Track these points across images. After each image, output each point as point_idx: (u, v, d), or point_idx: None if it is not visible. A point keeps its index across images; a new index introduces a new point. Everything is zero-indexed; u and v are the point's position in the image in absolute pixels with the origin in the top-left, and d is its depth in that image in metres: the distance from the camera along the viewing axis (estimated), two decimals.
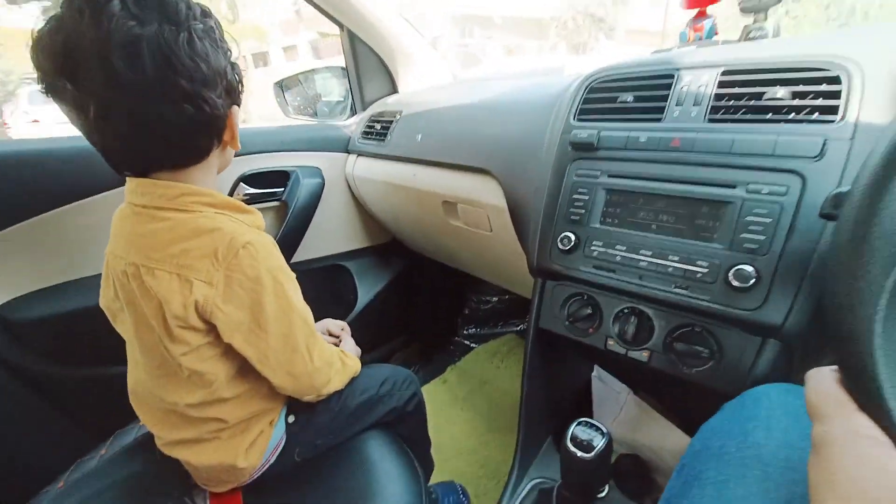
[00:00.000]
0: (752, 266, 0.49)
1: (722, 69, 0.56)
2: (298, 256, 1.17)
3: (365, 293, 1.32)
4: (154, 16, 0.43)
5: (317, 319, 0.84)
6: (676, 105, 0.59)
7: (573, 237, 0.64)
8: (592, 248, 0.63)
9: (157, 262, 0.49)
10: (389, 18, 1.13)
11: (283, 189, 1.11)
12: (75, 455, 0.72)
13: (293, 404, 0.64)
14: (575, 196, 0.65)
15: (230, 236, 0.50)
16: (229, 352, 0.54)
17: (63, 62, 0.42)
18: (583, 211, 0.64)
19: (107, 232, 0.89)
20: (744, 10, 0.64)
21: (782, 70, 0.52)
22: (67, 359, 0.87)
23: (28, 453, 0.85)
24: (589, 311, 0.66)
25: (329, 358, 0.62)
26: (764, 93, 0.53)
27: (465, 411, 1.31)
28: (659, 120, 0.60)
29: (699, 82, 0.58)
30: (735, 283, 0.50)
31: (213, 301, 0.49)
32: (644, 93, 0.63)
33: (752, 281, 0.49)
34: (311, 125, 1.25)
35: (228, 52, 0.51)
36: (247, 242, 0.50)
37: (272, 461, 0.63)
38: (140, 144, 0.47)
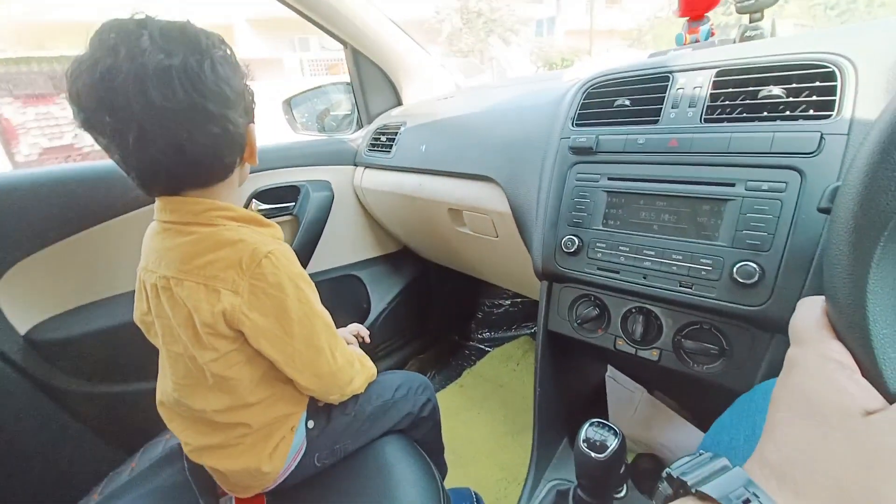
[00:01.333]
0: (756, 263, 0.50)
1: (716, 70, 0.57)
2: (311, 268, 1.20)
3: (378, 301, 1.34)
4: (179, 47, 0.47)
5: None
6: (672, 107, 0.60)
7: (577, 240, 0.65)
8: (596, 250, 0.64)
9: (186, 273, 0.53)
10: (391, 34, 1.16)
11: (293, 203, 1.14)
12: (107, 468, 0.75)
13: (312, 410, 0.67)
14: (576, 199, 0.66)
15: (253, 247, 0.53)
16: (255, 357, 0.57)
17: (103, 96, 0.45)
18: (585, 214, 0.65)
19: (125, 253, 0.92)
20: (739, 11, 0.65)
21: (777, 69, 0.53)
22: (94, 376, 0.91)
23: (61, 468, 0.89)
24: (596, 312, 0.67)
25: (350, 358, 0.65)
26: (759, 91, 0.53)
27: (482, 415, 1.32)
28: (656, 122, 0.61)
29: (694, 83, 0.59)
30: (740, 280, 0.50)
31: (239, 309, 0.52)
32: (640, 96, 0.64)
33: (757, 277, 0.49)
34: (318, 140, 1.28)
35: (243, 73, 0.55)
36: (268, 252, 0.53)
37: (294, 467, 0.65)
38: (173, 166, 0.51)
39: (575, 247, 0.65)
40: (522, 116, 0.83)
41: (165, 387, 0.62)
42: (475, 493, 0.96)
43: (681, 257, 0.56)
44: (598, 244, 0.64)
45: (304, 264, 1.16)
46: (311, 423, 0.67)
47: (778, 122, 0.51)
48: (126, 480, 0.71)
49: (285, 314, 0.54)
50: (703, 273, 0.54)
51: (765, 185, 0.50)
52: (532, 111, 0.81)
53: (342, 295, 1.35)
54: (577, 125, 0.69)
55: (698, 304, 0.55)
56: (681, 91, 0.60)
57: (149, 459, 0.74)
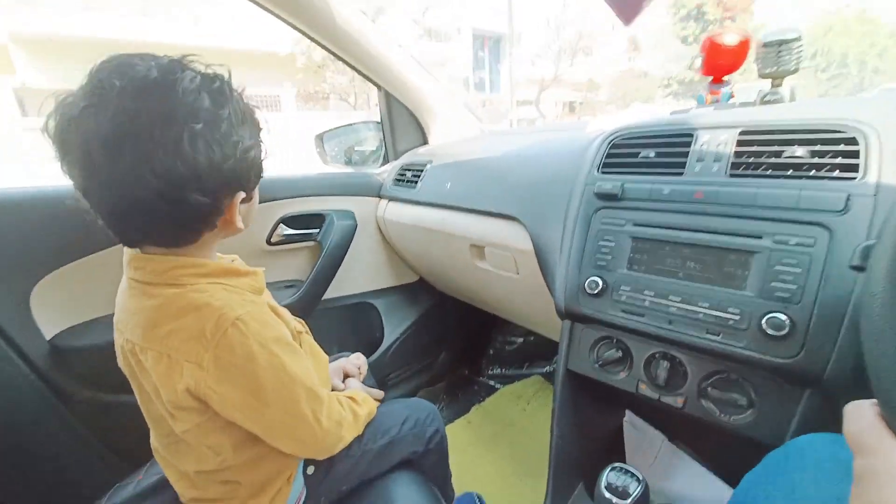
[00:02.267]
0: (786, 314, 0.51)
1: (740, 129, 0.60)
2: (329, 294, 1.21)
3: (391, 331, 1.35)
4: (149, 110, 0.42)
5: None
6: (697, 161, 0.62)
7: (601, 282, 0.66)
8: (621, 292, 0.65)
9: (149, 342, 0.49)
10: (422, 79, 1.24)
11: (318, 230, 1.18)
12: (114, 480, 0.74)
13: (310, 458, 0.63)
14: (601, 243, 0.68)
15: (218, 313, 0.48)
16: (231, 423, 0.53)
17: (60, 146, 0.44)
18: (609, 257, 0.67)
19: None
20: (762, 76, 0.69)
21: (800, 131, 0.56)
22: (111, 386, 0.92)
23: (68, 476, 0.88)
24: (619, 354, 0.67)
25: (339, 418, 0.60)
26: (783, 151, 0.56)
27: (489, 453, 1.28)
28: (681, 174, 0.63)
29: (718, 141, 0.62)
30: (769, 332, 0.51)
31: (205, 384, 0.48)
32: (665, 149, 0.67)
33: (787, 329, 0.50)
34: (346, 172, 1.34)
35: (235, 142, 0.48)
36: (235, 319, 0.48)
37: None
38: (125, 228, 0.48)
39: (599, 288, 0.66)
40: (547, 160, 0.87)
41: (153, 441, 0.61)
42: (478, 496, 0.92)
43: (707, 304, 0.57)
44: (622, 286, 0.65)
45: (324, 290, 1.18)
46: (311, 470, 0.63)
47: (804, 181, 0.53)
48: (130, 494, 0.69)
49: (258, 385, 0.49)
50: (730, 322, 0.55)
51: (793, 240, 0.52)
52: (557, 156, 0.85)
53: (357, 322, 1.36)
54: (603, 172, 0.72)
55: (725, 353, 0.55)
56: (704, 147, 0.63)
57: (156, 474, 0.72)
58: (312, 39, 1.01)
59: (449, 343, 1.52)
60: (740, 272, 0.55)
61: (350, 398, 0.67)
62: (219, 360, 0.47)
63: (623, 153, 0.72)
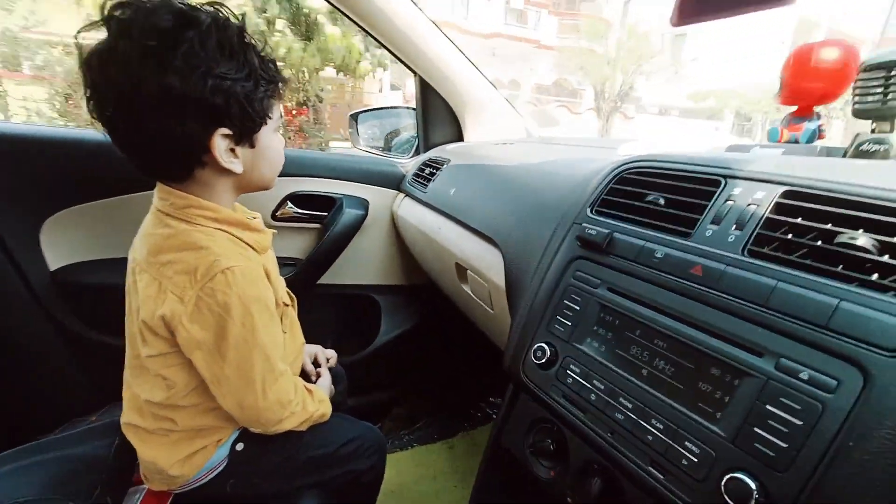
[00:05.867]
0: (760, 482, 0.33)
1: (785, 188, 0.41)
2: (327, 279, 1.19)
3: (388, 330, 1.29)
4: (143, 30, 0.44)
5: (333, 345, 0.84)
6: (712, 222, 0.44)
7: (548, 350, 0.52)
8: (568, 371, 0.50)
9: (148, 265, 0.53)
10: (462, 69, 1.12)
11: (327, 214, 1.15)
12: (75, 412, 0.79)
13: (246, 434, 0.63)
14: (566, 301, 0.53)
15: (214, 258, 0.50)
16: (192, 366, 0.55)
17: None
18: (568, 323, 0.52)
19: None
20: (857, 115, 0.47)
21: (877, 209, 0.35)
22: (100, 325, 0.99)
23: (42, 400, 0.97)
24: (553, 446, 0.52)
25: (285, 399, 0.59)
26: (838, 234, 0.36)
27: (460, 489, 1.17)
28: (687, 236, 0.46)
29: (751, 198, 0.43)
30: (727, 497, 0.34)
31: (178, 317, 0.50)
32: (678, 196, 0.49)
33: None
34: (367, 159, 1.28)
35: (203, 71, 0.46)
36: (227, 268, 0.50)
37: (205, 481, 0.62)
38: (130, 154, 0.51)
39: (545, 359, 0.52)
40: (548, 183, 0.71)
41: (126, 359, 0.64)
42: None
43: (662, 427, 0.40)
44: (571, 365, 0.50)
45: (319, 274, 1.16)
46: (240, 446, 0.63)
47: (853, 287, 0.34)
48: (80, 430, 0.73)
49: (223, 336, 0.51)
50: (683, 463, 0.38)
51: (804, 373, 0.33)
52: (561, 180, 0.69)
53: (355, 314, 1.32)
54: (597, 212, 0.56)
55: (668, 501, 0.39)
56: (730, 204, 0.44)
57: (109, 417, 0.76)
58: (341, 11, 0.96)
59: (447, 356, 1.42)
60: (718, 396, 0.38)
61: (309, 391, 0.65)
62: (199, 300, 0.50)
63: (627, 191, 0.55)
